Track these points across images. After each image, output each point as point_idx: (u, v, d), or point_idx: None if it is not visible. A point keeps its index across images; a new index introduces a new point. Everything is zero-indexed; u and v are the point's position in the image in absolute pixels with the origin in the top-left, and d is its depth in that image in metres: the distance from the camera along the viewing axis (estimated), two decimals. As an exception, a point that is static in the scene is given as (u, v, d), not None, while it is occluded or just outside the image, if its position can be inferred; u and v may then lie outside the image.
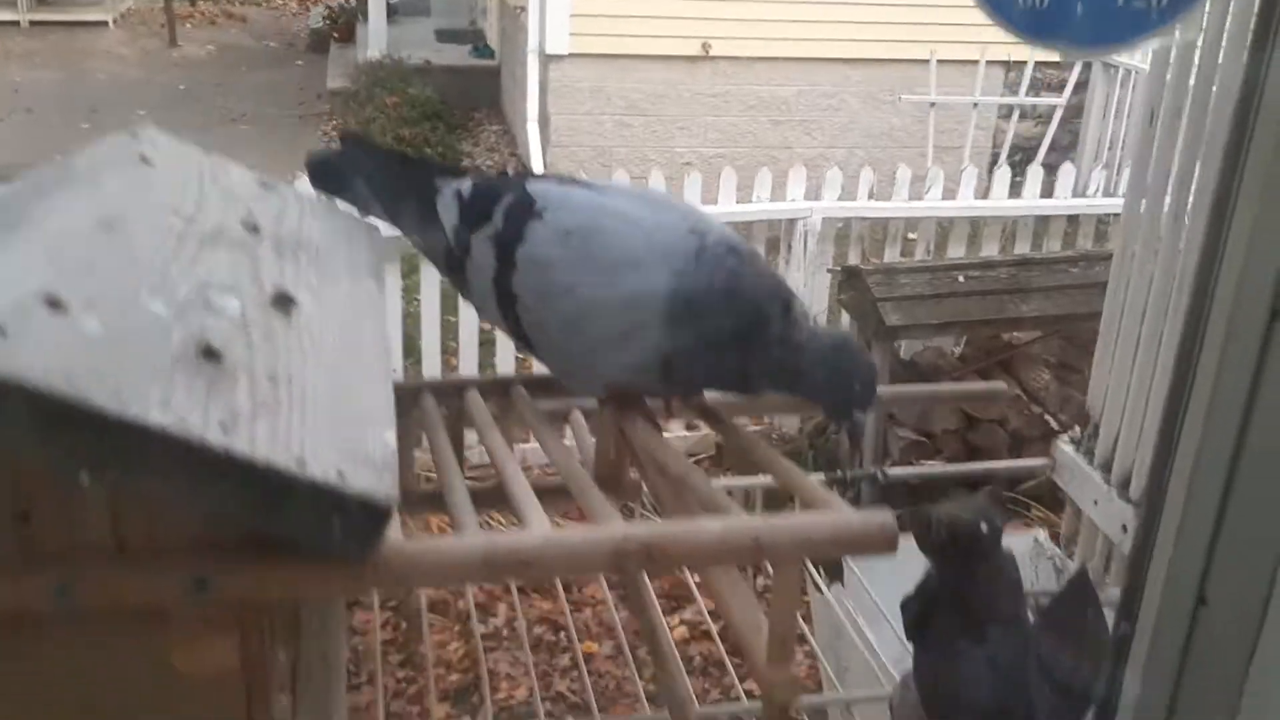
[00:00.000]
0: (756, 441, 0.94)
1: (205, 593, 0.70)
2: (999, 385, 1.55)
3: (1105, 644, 0.93)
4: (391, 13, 12.20)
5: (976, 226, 6.21)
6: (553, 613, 4.70)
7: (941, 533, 1.01)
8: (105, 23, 14.83)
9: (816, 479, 0.96)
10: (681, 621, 4.62)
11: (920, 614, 1.06)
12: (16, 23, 14.41)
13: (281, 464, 0.65)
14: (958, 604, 1.02)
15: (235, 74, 13.19)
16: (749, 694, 1.60)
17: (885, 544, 0.74)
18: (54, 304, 0.67)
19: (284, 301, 0.81)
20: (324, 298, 0.85)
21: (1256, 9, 0.74)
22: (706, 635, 4.44)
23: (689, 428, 5.48)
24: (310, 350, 0.77)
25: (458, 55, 12.02)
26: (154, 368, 0.68)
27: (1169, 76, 1.79)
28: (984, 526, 1.00)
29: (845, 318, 5.72)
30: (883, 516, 0.75)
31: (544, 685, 4.42)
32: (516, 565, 0.72)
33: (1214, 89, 1.61)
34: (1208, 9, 1.56)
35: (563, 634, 4.62)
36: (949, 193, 6.22)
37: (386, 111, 9.98)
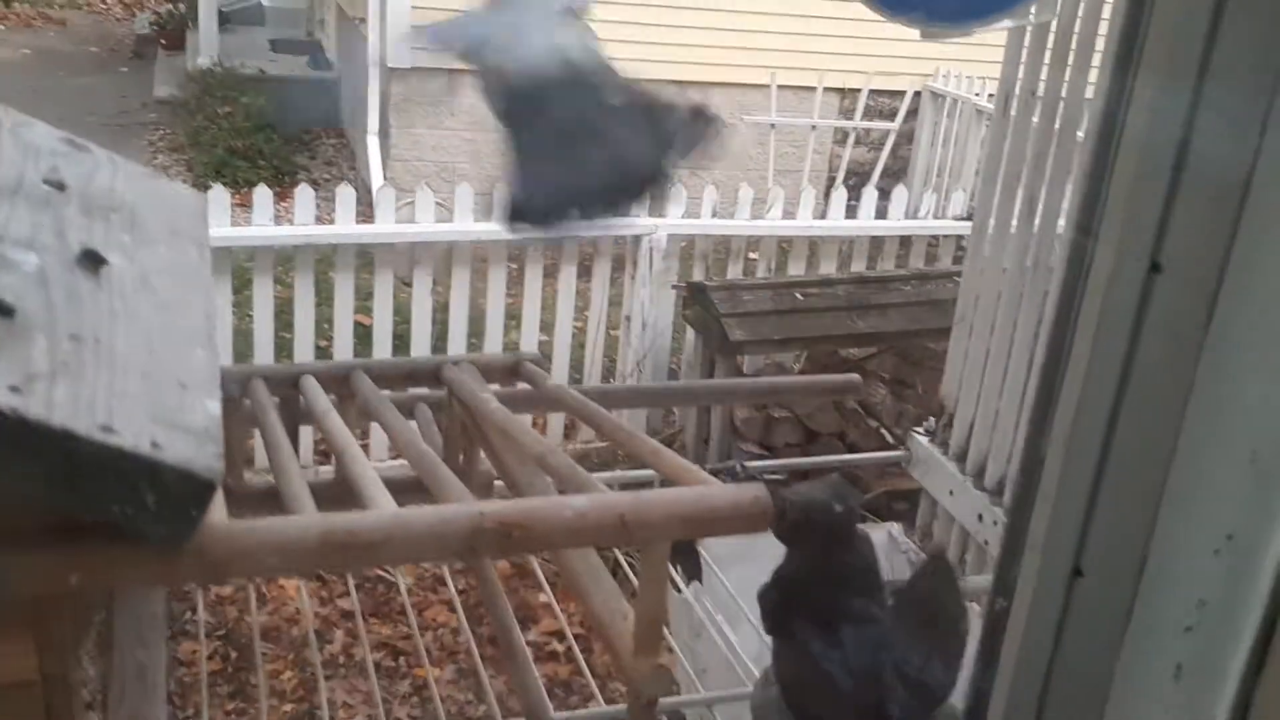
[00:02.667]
0: (619, 425, 0.89)
1: None
2: (854, 377, 1.55)
3: (963, 621, 0.92)
4: (224, 21, 11.80)
5: (815, 246, 6.38)
6: (392, 638, 4.56)
7: (796, 514, 0.98)
8: (-94, 21, 13.91)
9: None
10: (527, 643, 4.54)
11: (779, 604, 1.02)
12: None
13: (85, 430, 0.57)
14: (816, 590, 0.99)
15: (53, 80, 12.53)
16: (610, 702, 1.55)
17: (759, 519, 0.71)
18: None
19: (92, 260, 0.72)
20: (139, 260, 0.77)
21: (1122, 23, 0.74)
22: (552, 656, 4.38)
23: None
24: (122, 312, 0.68)
25: (294, 66, 11.69)
26: None
27: (1023, 61, 1.85)
28: (838, 507, 0.97)
29: (690, 333, 5.77)
30: (755, 489, 0.71)
31: (384, 712, 4.29)
32: (360, 548, 0.64)
33: (1065, 80, 1.67)
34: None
35: (403, 659, 4.50)
36: (789, 213, 6.37)
37: (218, 121, 9.62)
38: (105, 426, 0.58)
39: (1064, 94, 1.73)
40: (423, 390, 1.13)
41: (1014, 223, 1.90)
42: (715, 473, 1.69)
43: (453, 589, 2.73)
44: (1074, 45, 1.69)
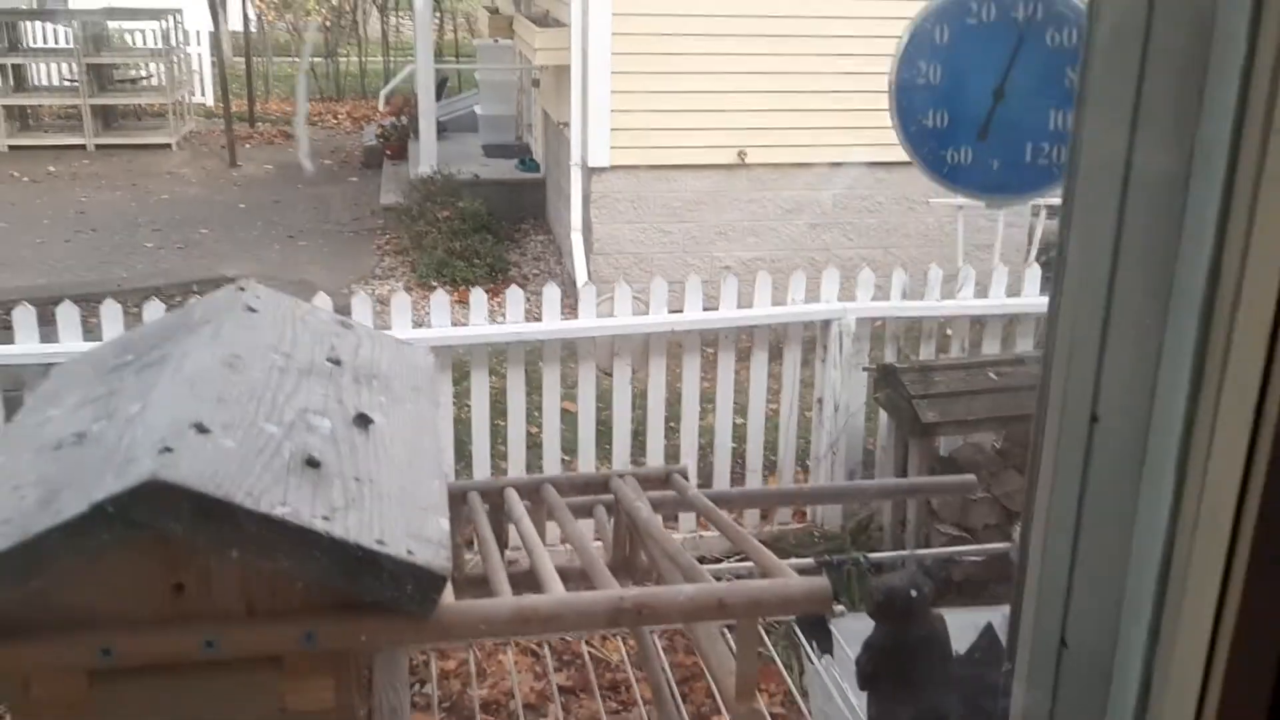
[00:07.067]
0: (736, 529, 1.14)
1: (312, 644, 0.91)
2: (969, 478, 1.72)
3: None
4: (441, 130, 12.73)
5: (1010, 324, 6.32)
6: (599, 713, 4.79)
7: (879, 597, 1.20)
8: (169, 145, 15.54)
9: (805, 561, 1.15)
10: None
11: (869, 666, 1.24)
12: (83, 146, 15.14)
13: (368, 544, 0.87)
14: (898, 657, 1.20)
15: (292, 191, 13.74)
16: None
17: (821, 604, 0.94)
18: (200, 429, 0.90)
19: (362, 420, 1.04)
20: (391, 415, 1.08)
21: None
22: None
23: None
24: (383, 458, 0.99)
25: (505, 169, 12.50)
26: (274, 474, 0.90)
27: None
28: (914, 593, 1.19)
29: (882, 416, 5.85)
30: (820, 583, 0.94)
31: (594, 783, 4.50)
32: (540, 620, 0.93)
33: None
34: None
35: (610, 732, 4.72)
36: (981, 292, 6.33)
37: (438, 225, 10.39)
38: (379, 540, 0.88)
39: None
40: (600, 497, 1.41)
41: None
42: (838, 565, 1.89)
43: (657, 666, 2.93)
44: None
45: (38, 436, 1.00)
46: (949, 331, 6.43)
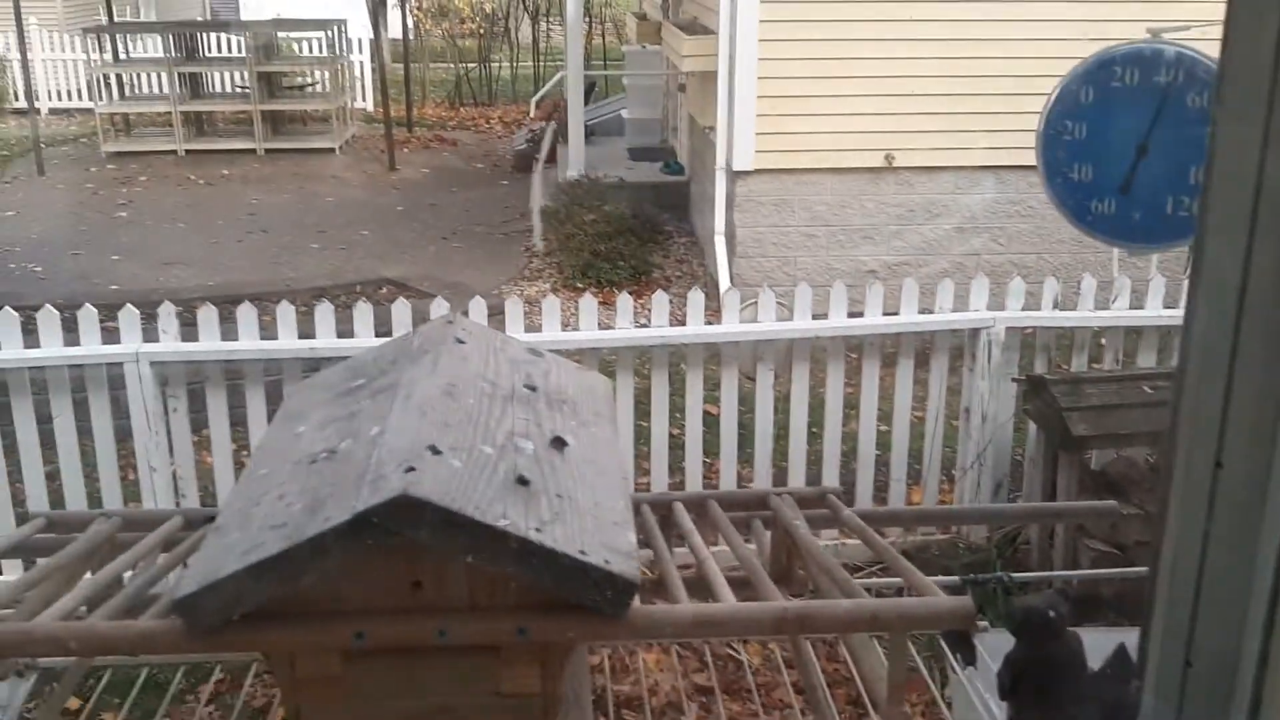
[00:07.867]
0: (887, 548, 1.25)
1: (525, 636, 1.08)
2: (1110, 504, 1.77)
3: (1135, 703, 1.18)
4: (589, 134, 12.99)
5: (1166, 336, 6.13)
6: (740, 715, 4.88)
7: (1019, 617, 1.31)
8: (332, 149, 16.25)
9: (951, 580, 1.26)
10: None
11: (1010, 680, 1.35)
12: (254, 150, 15.98)
13: (573, 553, 1.02)
14: (1036, 672, 1.31)
15: (447, 194, 14.18)
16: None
17: (965, 620, 1.05)
18: (434, 450, 1.07)
19: (559, 443, 1.19)
20: (581, 437, 1.23)
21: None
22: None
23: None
24: (578, 476, 1.14)
25: (649, 172, 12.68)
26: (494, 491, 1.06)
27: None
28: (1052, 613, 1.30)
29: (1031, 427, 5.77)
30: (965, 601, 1.05)
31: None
32: (716, 625, 1.06)
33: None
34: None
35: (750, 735, 4.81)
36: (1137, 301, 6.16)
37: (584, 228, 10.62)
38: (581, 551, 1.03)
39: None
40: (759, 513, 1.54)
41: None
42: (982, 583, 1.96)
43: (785, 677, 3.01)
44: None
45: (293, 450, 1.19)
46: (1103, 342, 6.29)
